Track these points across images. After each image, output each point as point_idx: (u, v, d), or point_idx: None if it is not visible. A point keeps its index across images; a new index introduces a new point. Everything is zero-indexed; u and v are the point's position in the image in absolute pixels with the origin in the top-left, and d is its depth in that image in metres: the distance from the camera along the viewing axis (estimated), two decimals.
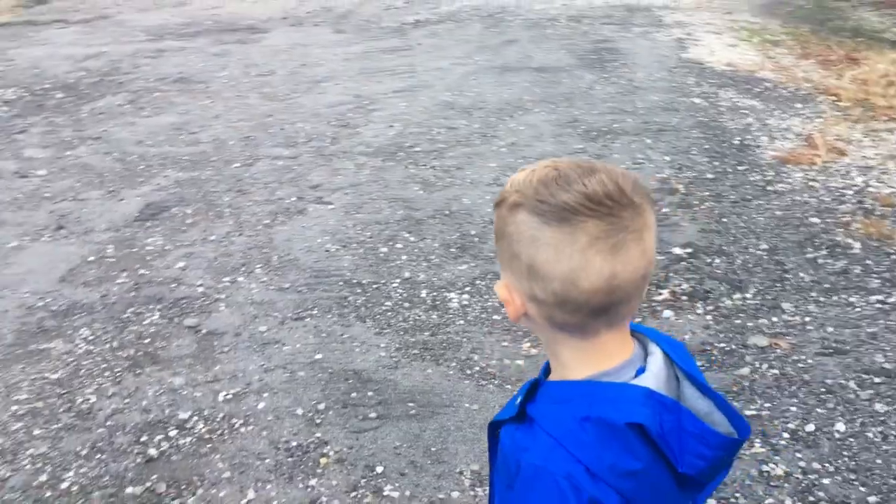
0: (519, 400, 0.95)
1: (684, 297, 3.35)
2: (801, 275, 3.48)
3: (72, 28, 10.31)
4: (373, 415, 2.76)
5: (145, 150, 5.41)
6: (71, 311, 3.44)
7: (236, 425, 2.74)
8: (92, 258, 3.89)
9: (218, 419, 2.78)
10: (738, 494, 2.35)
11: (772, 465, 2.45)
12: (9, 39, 9.61)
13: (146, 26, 10.20)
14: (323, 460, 2.57)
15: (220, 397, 2.88)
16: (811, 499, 2.32)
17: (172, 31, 9.82)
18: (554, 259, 0.83)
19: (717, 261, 3.61)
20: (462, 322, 3.27)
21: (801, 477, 2.40)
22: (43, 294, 3.58)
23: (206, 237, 4.08)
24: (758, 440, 2.55)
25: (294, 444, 2.65)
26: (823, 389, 2.78)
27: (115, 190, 4.73)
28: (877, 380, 2.81)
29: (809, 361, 2.92)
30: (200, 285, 3.62)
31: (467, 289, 3.50)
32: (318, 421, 2.75)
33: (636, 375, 0.89)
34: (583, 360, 0.90)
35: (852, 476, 2.39)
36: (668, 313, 3.25)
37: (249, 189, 4.69)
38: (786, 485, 2.37)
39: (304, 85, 6.96)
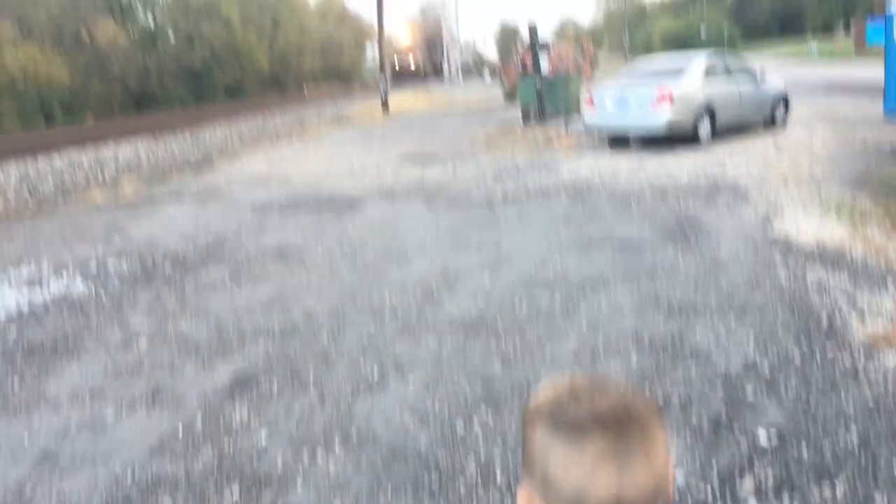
0: None
1: (769, 488, 3.21)
2: None
3: (185, 204, 11.14)
4: None
5: (241, 321, 5.69)
6: (156, 485, 3.55)
7: None
8: (181, 430, 4.04)
9: None
10: None
11: None
12: (128, 215, 10.45)
13: (252, 202, 10.93)
14: None
15: None
16: None
17: (276, 206, 10.49)
18: (563, 471, 0.89)
19: (805, 449, 3.47)
20: None
21: None
22: (133, 465, 3.72)
23: (289, 410, 4.20)
24: None
25: None
26: None
27: (209, 361, 4.95)
28: None
29: None
30: (280, 460, 3.69)
31: None
32: None
33: None
34: None
35: None
36: None
37: (334, 361, 4.83)
38: None
39: (394, 258, 7.25)
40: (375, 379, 4.52)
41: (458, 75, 67.23)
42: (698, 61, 13.68)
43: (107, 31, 47.87)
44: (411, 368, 4.63)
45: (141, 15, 62.49)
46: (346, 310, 5.77)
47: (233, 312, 5.87)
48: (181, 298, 6.33)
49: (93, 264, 7.66)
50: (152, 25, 62.35)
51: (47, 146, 21.22)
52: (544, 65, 22.07)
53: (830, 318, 4.92)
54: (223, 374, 4.73)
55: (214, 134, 25.17)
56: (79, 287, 6.87)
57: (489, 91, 42.05)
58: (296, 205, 10.50)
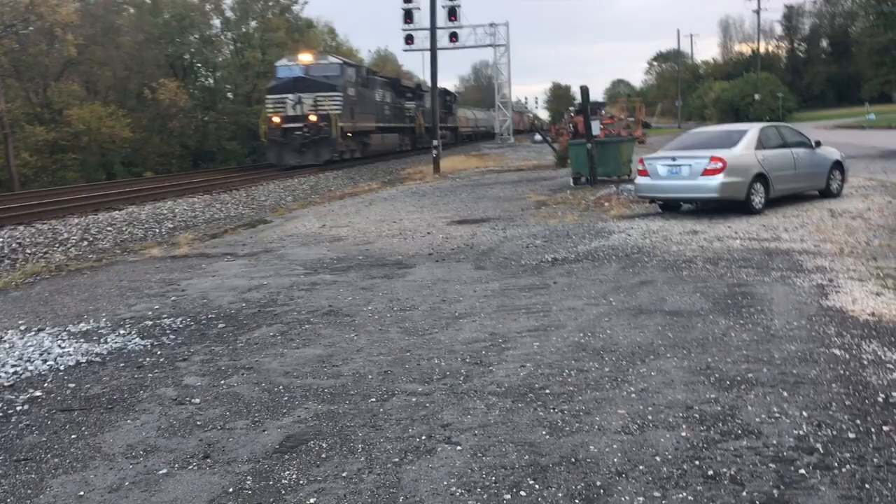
0: None
1: None
2: None
3: (239, 261, 11.37)
4: None
5: (291, 381, 5.77)
6: None
7: None
8: (231, 489, 4.09)
9: None
10: None
11: None
12: (184, 271, 10.70)
13: (304, 260, 11.12)
14: None
15: None
16: None
17: (327, 265, 10.65)
18: None
19: None
20: None
21: None
22: None
23: (337, 473, 4.23)
24: None
25: None
26: None
27: (260, 420, 5.03)
28: None
29: None
30: None
31: None
32: None
33: None
34: None
35: None
36: None
37: (383, 425, 4.86)
38: None
39: (443, 321, 7.30)
40: (423, 445, 4.53)
41: (509, 135, 67.79)
42: (752, 131, 13.68)
43: (169, 89, 49.50)
44: (459, 435, 4.63)
45: (202, 74, 64.67)
46: (395, 373, 5.81)
47: (283, 373, 5.96)
48: (234, 357, 6.45)
49: (148, 320, 7.85)
50: (212, 84, 64.41)
51: (108, 200, 21.92)
52: (596, 128, 22.25)
53: (886, 394, 4.81)
54: (273, 434, 4.79)
55: (268, 191, 25.73)
56: (135, 342, 7.04)
57: (539, 151, 42.35)
58: (346, 264, 10.65)
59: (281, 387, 5.64)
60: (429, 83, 35.07)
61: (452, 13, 42.13)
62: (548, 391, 5.25)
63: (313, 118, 33.15)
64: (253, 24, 64.48)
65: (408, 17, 44.78)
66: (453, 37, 53.10)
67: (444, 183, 25.46)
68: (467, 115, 74.17)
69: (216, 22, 63.96)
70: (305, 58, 36.25)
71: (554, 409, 4.94)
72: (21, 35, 41.02)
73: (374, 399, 5.31)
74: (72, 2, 42.61)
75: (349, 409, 5.15)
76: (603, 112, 50.35)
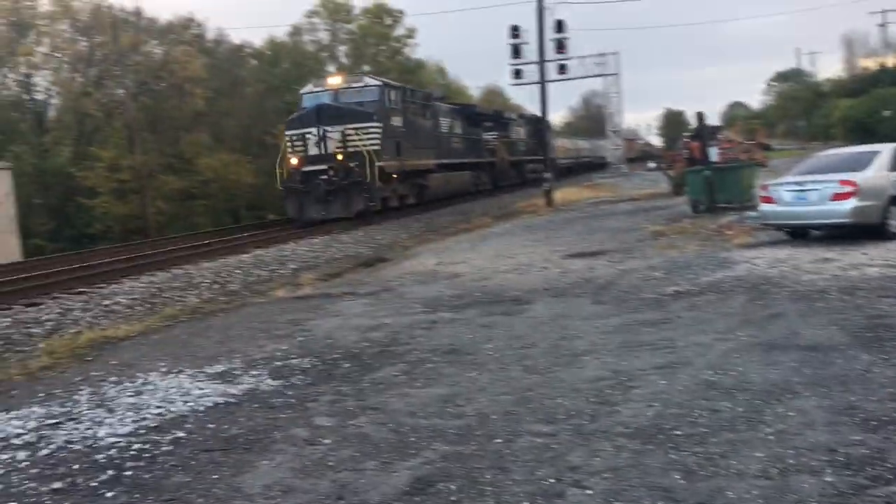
0: None
1: None
2: None
3: (360, 300, 11.64)
4: None
5: (416, 421, 5.83)
6: None
7: None
8: None
9: None
10: None
11: None
12: (308, 311, 11.04)
13: (423, 298, 11.27)
14: None
15: None
16: None
17: (446, 303, 10.75)
18: None
19: None
20: None
21: None
22: None
23: None
24: None
25: None
26: None
27: (389, 461, 5.10)
28: None
29: None
30: None
31: None
32: None
33: None
34: None
35: None
36: None
37: (510, 467, 4.84)
38: None
39: (564, 358, 7.23)
40: (552, 488, 4.48)
41: (621, 164, 66.84)
42: (885, 152, 13.02)
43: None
44: (588, 478, 4.56)
45: None
46: (519, 413, 5.79)
47: (409, 413, 6.03)
48: (360, 397, 6.58)
49: (278, 361, 8.12)
50: None
51: (235, 243, 22.90)
52: (714, 153, 21.69)
53: None
54: (403, 476, 4.84)
55: (384, 229, 26.25)
56: (267, 383, 7.29)
57: (653, 179, 41.58)
58: (464, 301, 10.72)
59: (407, 427, 5.71)
60: (519, 110, 34.06)
61: (560, 46, 42.01)
62: (678, 432, 5.10)
63: (341, 157, 25.49)
64: (366, 68, 66.53)
65: (515, 52, 44.87)
66: (562, 69, 52.90)
67: (558, 216, 25.33)
68: (566, 144, 67.38)
69: (331, 68, 66.39)
70: (335, 81, 28.29)
71: (686, 451, 4.80)
72: (154, 91, 43.79)
73: (499, 440, 5.30)
74: (200, 58, 45.15)
75: (475, 451, 5.16)
76: (720, 137, 48.87)
